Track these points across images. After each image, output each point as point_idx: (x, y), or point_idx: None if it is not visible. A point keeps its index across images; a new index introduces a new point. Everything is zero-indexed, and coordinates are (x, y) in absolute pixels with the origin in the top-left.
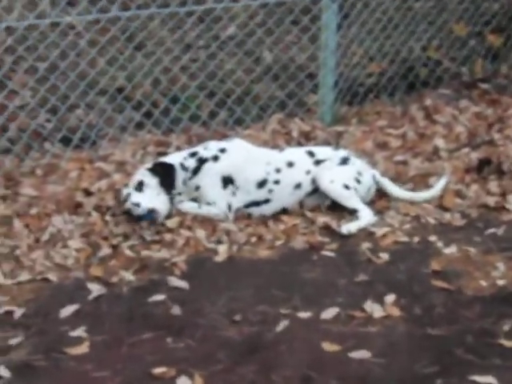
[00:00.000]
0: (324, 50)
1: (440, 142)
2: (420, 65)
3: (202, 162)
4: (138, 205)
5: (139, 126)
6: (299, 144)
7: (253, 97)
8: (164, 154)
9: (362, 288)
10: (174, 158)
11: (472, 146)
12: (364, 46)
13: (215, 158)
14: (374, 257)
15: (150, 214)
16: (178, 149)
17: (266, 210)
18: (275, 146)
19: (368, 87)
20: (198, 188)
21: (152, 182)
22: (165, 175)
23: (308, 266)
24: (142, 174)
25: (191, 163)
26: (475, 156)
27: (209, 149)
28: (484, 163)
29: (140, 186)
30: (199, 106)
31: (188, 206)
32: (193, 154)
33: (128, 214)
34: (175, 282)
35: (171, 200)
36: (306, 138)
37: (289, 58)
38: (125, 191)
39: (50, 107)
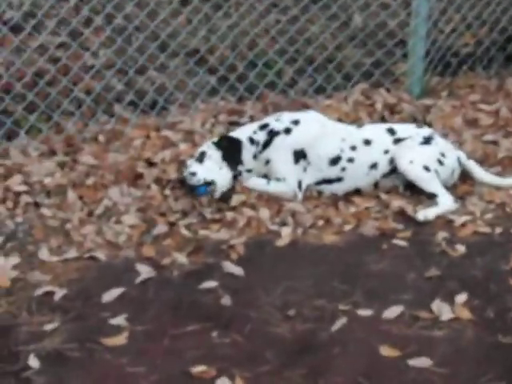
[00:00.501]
0: (415, 17)
1: None
2: None
3: (272, 134)
4: (194, 174)
5: (212, 92)
6: (382, 118)
7: (336, 64)
8: (236, 124)
9: (431, 284)
10: (243, 132)
11: None
12: (460, 13)
13: (287, 131)
14: (450, 249)
15: (205, 187)
16: (252, 119)
17: (338, 188)
18: (357, 119)
19: (462, 58)
20: (268, 162)
21: (215, 154)
22: (229, 150)
23: (376, 255)
24: (207, 145)
25: (261, 136)
26: None
27: (281, 121)
28: None
29: (202, 157)
30: (278, 73)
31: (255, 182)
32: (263, 127)
33: (183, 183)
34: (230, 267)
35: (238, 177)
36: (391, 111)
37: (377, 23)
38: (188, 162)
39: (117, 69)
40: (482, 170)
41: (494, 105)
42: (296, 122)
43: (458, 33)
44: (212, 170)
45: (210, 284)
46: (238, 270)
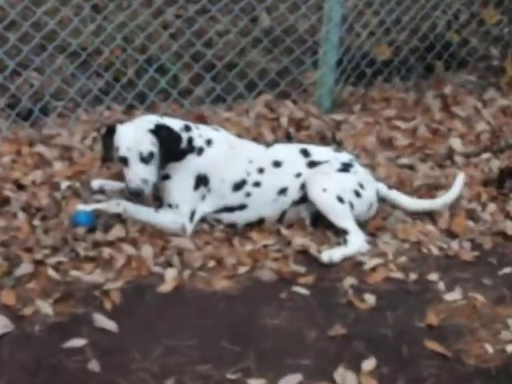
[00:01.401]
0: (327, 22)
1: (456, 143)
2: (442, 43)
3: (188, 149)
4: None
5: (96, 99)
6: (287, 135)
7: (238, 71)
8: None
9: (335, 346)
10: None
11: (494, 151)
12: (377, 18)
13: (200, 151)
14: (357, 299)
15: (88, 216)
16: None
17: (240, 217)
18: (258, 136)
19: (377, 68)
20: (166, 178)
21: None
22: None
23: (273, 307)
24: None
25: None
26: (497, 165)
27: (200, 134)
28: (506, 175)
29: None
30: (172, 79)
31: (139, 210)
32: (187, 129)
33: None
34: (102, 320)
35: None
36: (298, 127)
37: (285, 28)
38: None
39: None
40: (408, 197)
41: (412, 122)
42: (209, 142)
43: (374, 39)
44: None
45: (77, 342)
46: (110, 325)
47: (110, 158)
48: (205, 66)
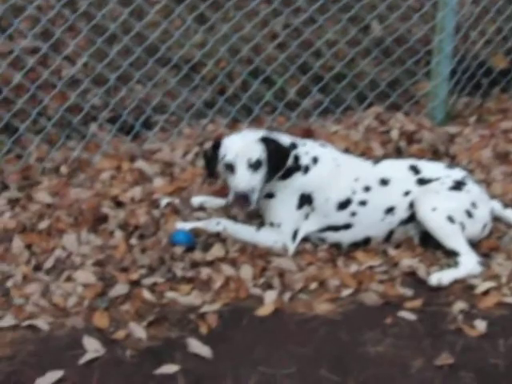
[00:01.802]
0: (440, 32)
1: None
2: None
3: (295, 168)
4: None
5: (200, 112)
6: (398, 149)
7: (348, 81)
8: None
9: (442, 376)
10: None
11: None
12: (492, 27)
13: (306, 170)
14: (467, 326)
15: (187, 235)
16: None
17: (344, 237)
18: (367, 150)
19: (494, 78)
20: (269, 196)
21: None
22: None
23: (377, 333)
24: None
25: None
26: None
27: (306, 151)
28: None
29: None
30: (278, 91)
31: (240, 229)
32: (293, 147)
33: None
34: (196, 346)
35: None
36: (408, 140)
37: (397, 37)
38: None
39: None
40: None
41: None
42: (315, 160)
43: (490, 48)
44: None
45: (170, 369)
46: (205, 351)
47: (214, 173)
48: (312, 77)
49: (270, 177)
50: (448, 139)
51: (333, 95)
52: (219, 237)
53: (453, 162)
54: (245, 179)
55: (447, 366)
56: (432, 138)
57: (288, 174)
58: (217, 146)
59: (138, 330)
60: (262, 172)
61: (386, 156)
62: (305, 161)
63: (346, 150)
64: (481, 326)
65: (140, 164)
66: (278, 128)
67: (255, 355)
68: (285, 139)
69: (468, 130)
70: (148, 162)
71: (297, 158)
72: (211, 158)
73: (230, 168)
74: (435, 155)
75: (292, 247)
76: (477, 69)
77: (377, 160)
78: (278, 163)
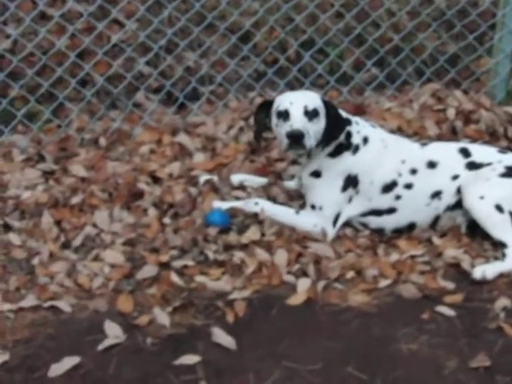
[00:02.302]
0: (504, 6)
1: None
2: None
3: (346, 145)
4: None
5: (248, 85)
6: (453, 129)
7: (404, 55)
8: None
9: (476, 379)
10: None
11: None
12: None
13: (356, 149)
14: (509, 325)
15: (223, 215)
16: None
17: (388, 222)
18: (420, 130)
19: None
20: (313, 175)
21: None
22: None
23: (412, 329)
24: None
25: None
26: None
27: (359, 130)
28: None
29: None
30: (331, 64)
31: (278, 211)
32: (347, 122)
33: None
34: (220, 336)
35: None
36: (465, 120)
37: (458, 9)
38: None
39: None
40: None
41: None
42: (365, 140)
43: None
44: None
45: (190, 359)
46: (228, 341)
47: (262, 133)
48: (368, 50)
49: (324, 139)
50: (507, 120)
51: (389, 69)
52: (256, 218)
53: (511, 144)
54: (300, 120)
55: (483, 368)
56: (490, 119)
57: (338, 152)
58: (268, 102)
59: (162, 316)
60: (318, 126)
61: (439, 136)
62: (356, 140)
63: (399, 129)
64: None
65: (181, 138)
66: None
67: (281, 348)
68: (341, 113)
69: None
70: (190, 135)
71: (349, 136)
72: (261, 115)
73: (284, 115)
74: (492, 137)
75: (332, 232)
76: None
77: (426, 142)
78: (335, 128)
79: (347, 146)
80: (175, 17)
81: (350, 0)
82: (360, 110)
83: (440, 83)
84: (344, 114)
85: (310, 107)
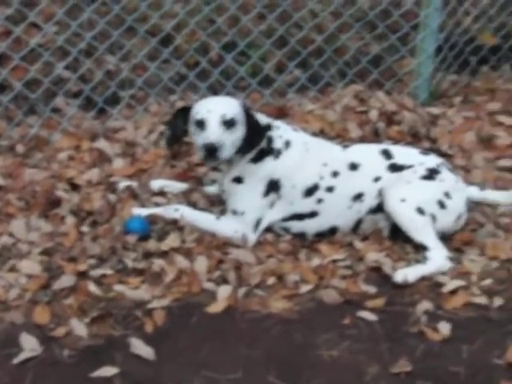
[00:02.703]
0: (426, 6)
1: None
2: None
3: (268, 150)
4: None
5: (169, 88)
6: (375, 130)
7: (327, 57)
8: None
9: None
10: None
11: None
12: (483, 1)
13: (278, 154)
14: (430, 329)
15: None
16: None
17: (309, 226)
18: (343, 132)
19: (483, 55)
20: (234, 181)
21: None
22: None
23: (333, 335)
24: None
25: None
26: None
27: (280, 134)
28: None
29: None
30: (252, 66)
31: (198, 217)
32: (268, 128)
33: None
34: (139, 346)
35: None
36: (388, 121)
37: (380, 10)
38: None
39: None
40: (504, 192)
41: None
42: (287, 144)
43: (480, 23)
44: None
45: (108, 371)
46: (147, 352)
47: (179, 139)
48: (290, 52)
49: (243, 148)
50: (430, 121)
51: (311, 71)
52: (176, 225)
53: (433, 145)
54: (216, 132)
55: (404, 373)
56: (413, 120)
57: (260, 158)
58: (187, 108)
59: (80, 328)
60: (236, 135)
61: (362, 138)
62: (278, 144)
63: (321, 131)
64: (445, 329)
65: (101, 143)
66: (252, 106)
67: (200, 357)
68: (261, 118)
69: (452, 111)
70: (109, 141)
71: (270, 141)
72: (177, 120)
73: (201, 125)
74: (415, 138)
75: (253, 238)
76: (465, 45)
77: (349, 144)
78: (255, 136)
79: (269, 151)
80: (95, 20)
81: (273, 1)
82: (282, 113)
83: (363, 84)
84: (265, 120)
85: (228, 116)
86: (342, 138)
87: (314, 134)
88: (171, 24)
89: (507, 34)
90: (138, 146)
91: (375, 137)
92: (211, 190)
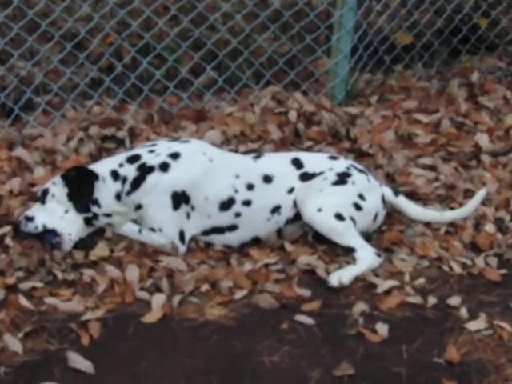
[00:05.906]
0: (341, 6)
1: (483, 140)
2: (469, 26)
3: (145, 171)
4: (30, 219)
5: (85, 93)
6: (296, 131)
7: (243, 58)
8: (112, 138)
9: None
10: (105, 164)
11: None
12: (396, 0)
13: (164, 167)
14: (368, 330)
15: (50, 237)
16: (132, 132)
17: (232, 239)
18: (263, 134)
19: (397, 54)
20: (139, 207)
21: (60, 192)
22: (77, 185)
23: (272, 340)
24: (53, 181)
25: (130, 172)
26: None
27: (156, 152)
28: None
29: (43, 196)
30: (170, 69)
31: (126, 229)
32: (133, 159)
33: (17, 230)
34: (77, 360)
35: (94, 222)
36: (307, 122)
37: (296, 10)
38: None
39: None
40: (417, 206)
41: (435, 115)
42: (175, 156)
43: (394, 23)
44: (54, 213)
45: None
46: (86, 366)
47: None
48: (206, 54)
49: (83, 202)
50: (349, 121)
51: (228, 73)
52: (103, 235)
53: (354, 145)
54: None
55: (347, 376)
56: (332, 120)
57: (137, 184)
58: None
59: (14, 343)
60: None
61: (283, 140)
62: (156, 161)
63: (242, 134)
64: (383, 329)
65: (19, 152)
66: (169, 109)
67: (140, 369)
68: (115, 160)
69: (370, 110)
70: (28, 149)
71: (143, 165)
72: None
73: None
74: (335, 138)
75: (182, 247)
76: (379, 44)
77: (258, 154)
78: (79, 193)
79: (147, 171)
80: (6, 25)
81: (186, 4)
82: (201, 116)
83: (280, 86)
84: (118, 160)
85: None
86: (263, 141)
87: (235, 137)
88: (85, 28)
89: (420, 32)
90: (58, 153)
91: (296, 138)
92: None
